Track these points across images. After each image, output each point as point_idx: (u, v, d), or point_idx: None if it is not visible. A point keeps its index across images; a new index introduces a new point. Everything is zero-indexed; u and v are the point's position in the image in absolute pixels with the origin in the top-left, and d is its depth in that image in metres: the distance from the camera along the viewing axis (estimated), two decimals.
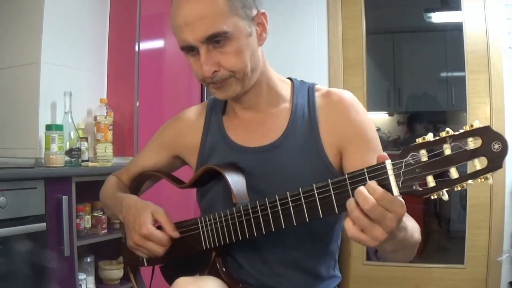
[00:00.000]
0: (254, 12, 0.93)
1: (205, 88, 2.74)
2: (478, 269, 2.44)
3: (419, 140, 0.66)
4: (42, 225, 1.70)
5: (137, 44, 2.35)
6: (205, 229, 0.94)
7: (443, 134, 0.64)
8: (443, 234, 3.84)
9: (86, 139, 2.13)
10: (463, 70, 2.52)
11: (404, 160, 0.67)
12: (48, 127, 1.96)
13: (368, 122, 0.97)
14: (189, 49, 0.90)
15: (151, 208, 0.97)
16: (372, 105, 3.18)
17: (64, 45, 2.20)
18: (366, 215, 0.68)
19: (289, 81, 1.06)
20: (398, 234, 0.72)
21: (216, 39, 0.87)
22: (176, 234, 0.94)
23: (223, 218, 0.90)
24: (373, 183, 0.68)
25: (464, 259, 2.49)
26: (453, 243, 3.25)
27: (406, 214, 0.92)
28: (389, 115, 4.26)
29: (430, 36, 3.91)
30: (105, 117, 2.21)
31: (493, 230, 2.39)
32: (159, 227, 0.95)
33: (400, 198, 0.69)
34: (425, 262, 2.76)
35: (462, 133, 0.63)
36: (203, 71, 0.89)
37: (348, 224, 0.70)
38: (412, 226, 0.82)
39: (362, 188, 0.68)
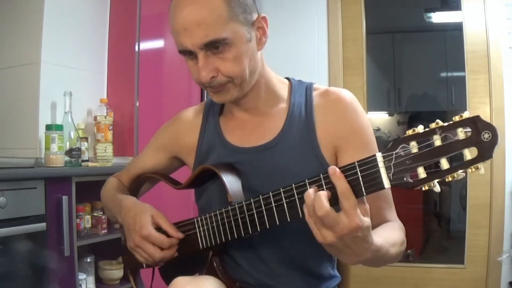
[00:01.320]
0: (255, 16, 0.92)
1: None
2: (478, 269, 2.44)
3: (409, 132, 0.66)
4: (42, 225, 1.70)
5: (137, 44, 2.35)
6: (201, 229, 0.95)
7: (433, 125, 0.65)
8: (443, 234, 3.84)
9: (86, 139, 2.13)
10: (463, 70, 2.52)
11: (395, 152, 0.67)
12: (48, 127, 1.96)
13: (366, 123, 0.97)
14: (187, 53, 0.90)
15: (151, 211, 0.97)
16: (372, 105, 3.18)
17: (64, 45, 2.21)
18: (322, 221, 0.69)
19: (287, 81, 1.06)
20: (363, 255, 0.72)
21: (214, 45, 0.86)
22: (180, 235, 0.95)
23: (218, 217, 0.91)
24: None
25: (464, 259, 2.49)
26: (453, 243, 3.25)
27: (394, 225, 0.92)
28: (389, 115, 4.25)
29: (430, 36, 3.90)
30: (105, 117, 2.21)
31: (493, 230, 2.39)
32: (158, 230, 0.96)
33: (366, 220, 0.69)
34: (425, 262, 2.76)
35: (452, 123, 0.64)
36: (200, 77, 0.88)
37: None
38: (392, 242, 0.82)
39: (321, 193, 0.69)
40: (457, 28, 2.61)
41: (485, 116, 2.41)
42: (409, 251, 2.93)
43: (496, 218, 2.39)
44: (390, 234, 0.84)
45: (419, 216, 3.48)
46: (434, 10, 3.52)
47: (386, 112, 4.21)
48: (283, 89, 1.03)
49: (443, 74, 3.94)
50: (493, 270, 2.38)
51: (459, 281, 2.48)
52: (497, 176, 2.36)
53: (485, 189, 2.41)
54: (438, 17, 3.58)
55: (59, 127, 1.98)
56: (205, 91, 2.74)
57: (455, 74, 3.74)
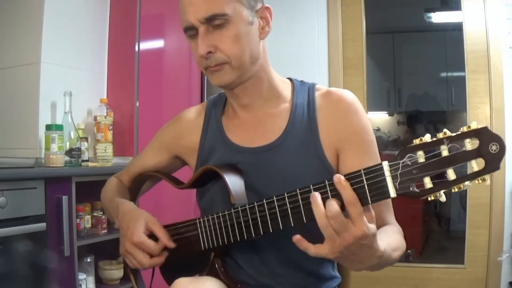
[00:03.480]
0: (259, 5, 0.95)
1: (205, 88, 2.74)
2: (478, 269, 2.44)
3: (416, 141, 0.66)
4: (42, 225, 1.70)
5: (137, 44, 2.34)
6: (203, 230, 0.94)
7: (440, 135, 0.64)
8: (443, 234, 3.84)
9: (86, 139, 2.13)
10: (463, 70, 2.52)
11: (401, 161, 0.67)
12: (48, 127, 1.96)
13: (367, 124, 0.97)
14: (191, 32, 0.92)
15: (145, 217, 0.97)
16: (372, 105, 3.18)
17: (64, 45, 2.20)
18: (331, 226, 0.69)
19: (289, 81, 1.06)
20: (369, 261, 0.73)
21: (216, 23, 0.89)
22: (172, 244, 0.95)
23: (221, 219, 0.90)
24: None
25: (464, 259, 2.49)
26: (453, 243, 3.25)
27: (394, 228, 0.92)
28: (389, 115, 4.25)
29: (430, 36, 3.90)
30: (105, 117, 2.21)
31: (493, 230, 2.39)
32: (151, 237, 0.95)
33: (373, 227, 0.69)
34: (425, 262, 2.76)
35: (460, 134, 0.63)
36: (198, 50, 0.90)
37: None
38: (394, 246, 0.82)
39: (332, 199, 0.70)
40: (457, 28, 2.61)
41: (485, 116, 2.42)
42: (409, 251, 2.93)
43: (496, 218, 2.39)
44: (391, 239, 0.85)
45: (419, 216, 3.48)
46: (434, 10, 3.52)
47: (386, 112, 4.21)
48: (285, 89, 1.03)
49: (443, 74, 3.94)
50: (493, 270, 2.38)
51: (459, 281, 2.48)
52: (497, 176, 2.36)
53: (485, 189, 2.41)
54: (438, 17, 3.58)
55: (59, 127, 1.97)
56: (206, 92, 2.74)
57: (455, 74, 3.74)
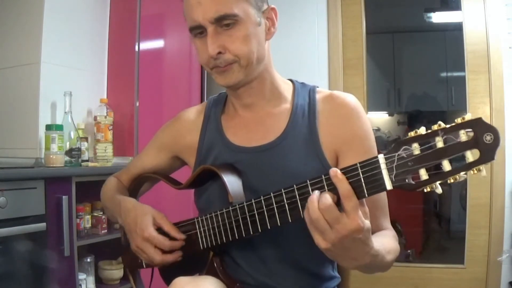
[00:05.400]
0: (265, 6, 0.96)
1: (205, 88, 2.74)
2: (478, 269, 2.44)
3: (411, 134, 0.66)
4: (42, 225, 1.70)
5: (137, 44, 2.35)
6: (201, 229, 0.95)
7: (435, 127, 0.65)
8: (443, 234, 3.84)
9: (86, 139, 2.13)
10: (463, 70, 2.52)
11: (397, 153, 0.67)
12: (48, 127, 1.96)
13: (368, 129, 0.97)
14: (198, 30, 0.91)
15: (152, 212, 0.97)
16: (372, 105, 3.17)
17: (64, 45, 2.21)
18: (324, 218, 0.69)
19: (290, 82, 1.06)
20: (363, 259, 0.73)
21: (225, 22, 0.88)
22: (182, 237, 0.95)
23: (219, 218, 0.90)
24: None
25: (464, 259, 2.49)
26: (453, 243, 3.24)
27: (388, 233, 0.93)
28: (389, 115, 4.25)
29: (430, 36, 3.90)
30: (105, 117, 2.21)
31: (493, 230, 2.39)
32: (159, 231, 0.95)
33: (367, 222, 0.69)
34: (425, 262, 2.76)
35: (454, 125, 0.64)
36: (208, 51, 0.89)
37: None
38: (388, 249, 0.83)
39: (325, 193, 0.70)
40: (457, 28, 2.61)
41: (485, 116, 2.41)
42: (409, 251, 2.93)
43: (496, 218, 2.39)
44: (386, 241, 0.85)
45: (419, 216, 3.48)
46: (434, 10, 3.51)
47: (386, 112, 4.20)
48: (286, 90, 1.03)
49: (443, 74, 3.93)
50: (493, 270, 2.38)
51: (459, 281, 2.48)
52: (497, 176, 2.36)
53: (485, 189, 2.41)
54: (438, 17, 3.57)
55: (59, 127, 1.98)
56: (205, 92, 2.74)
57: (455, 74, 3.73)
